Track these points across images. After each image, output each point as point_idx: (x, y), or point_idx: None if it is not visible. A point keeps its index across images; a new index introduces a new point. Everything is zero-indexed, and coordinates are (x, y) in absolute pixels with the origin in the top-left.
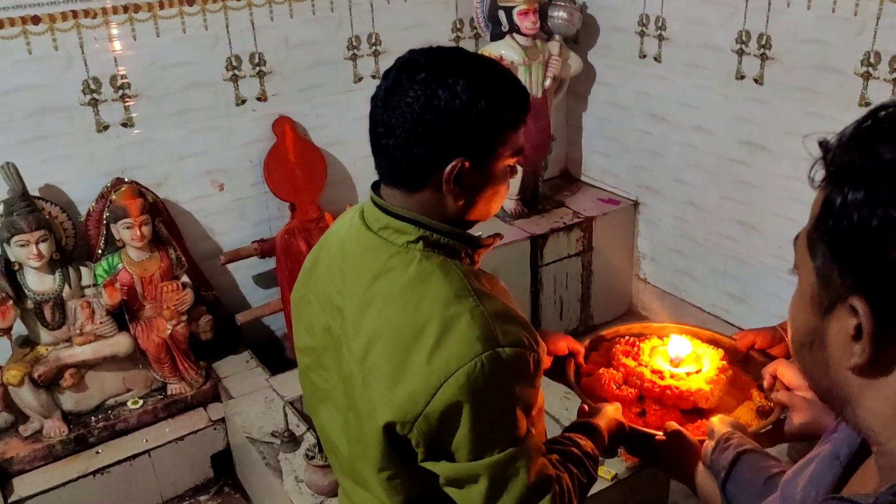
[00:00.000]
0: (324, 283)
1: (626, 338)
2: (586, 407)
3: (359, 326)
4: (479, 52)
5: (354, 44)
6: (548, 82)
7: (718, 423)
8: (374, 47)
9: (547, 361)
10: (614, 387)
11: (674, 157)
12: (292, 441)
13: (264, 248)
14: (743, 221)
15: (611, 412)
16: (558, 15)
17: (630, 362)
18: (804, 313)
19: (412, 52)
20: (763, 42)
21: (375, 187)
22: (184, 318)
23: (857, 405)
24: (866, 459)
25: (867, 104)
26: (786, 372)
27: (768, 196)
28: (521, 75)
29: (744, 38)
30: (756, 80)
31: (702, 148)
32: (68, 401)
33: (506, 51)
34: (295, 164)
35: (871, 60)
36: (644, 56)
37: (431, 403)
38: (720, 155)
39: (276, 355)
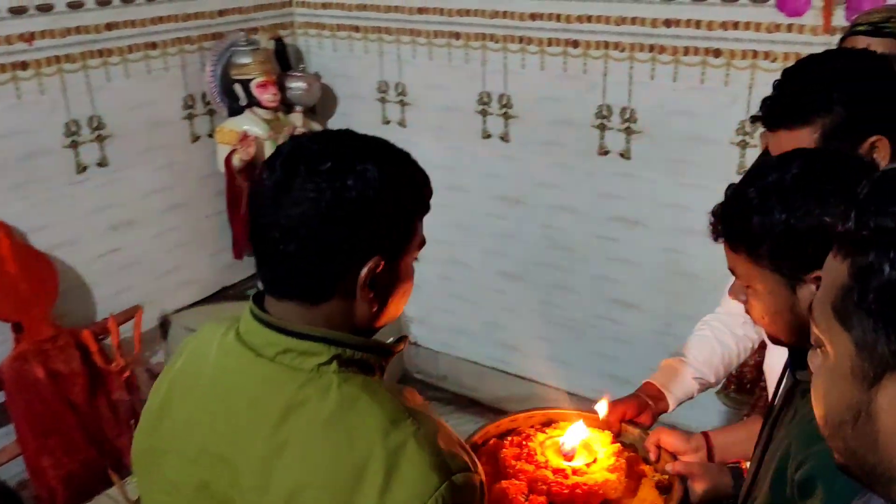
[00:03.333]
0: (189, 430)
1: (508, 438)
2: None
3: (268, 478)
4: (219, 128)
5: (73, 129)
6: None
7: None
8: (97, 132)
9: None
10: (522, 499)
11: (431, 217)
12: None
13: None
14: (506, 272)
15: None
16: (297, 86)
17: (527, 467)
18: (841, 388)
19: (298, 139)
20: (504, 102)
21: (258, 299)
22: None
23: None
24: None
25: (606, 152)
26: (669, 440)
27: (528, 246)
28: (269, 150)
29: (485, 99)
30: (502, 138)
31: (458, 206)
32: None
33: (249, 126)
34: (16, 277)
35: (604, 113)
36: (388, 122)
37: None
38: (476, 211)
39: None
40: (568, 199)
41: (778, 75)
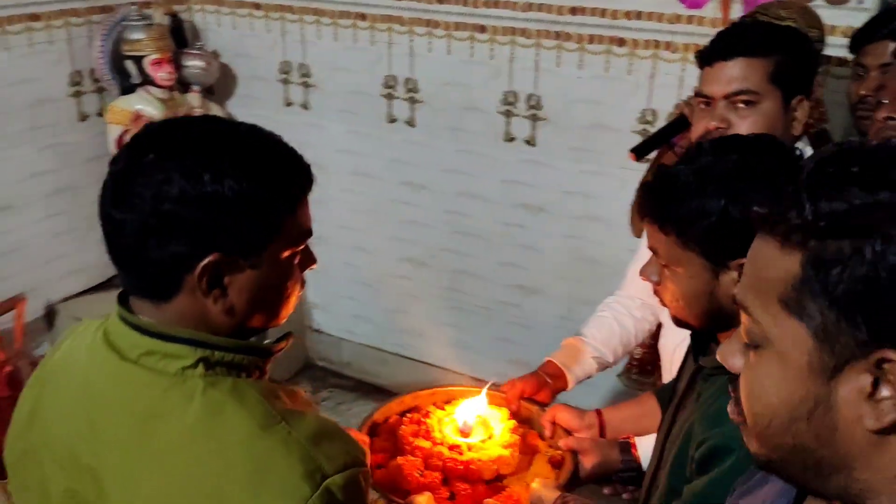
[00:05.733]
0: (59, 434)
1: (407, 415)
2: None
3: (132, 491)
4: (110, 107)
5: None
6: None
7: (542, 488)
8: None
9: None
10: (417, 474)
11: (335, 203)
12: None
13: None
14: (411, 258)
15: (424, 503)
16: (194, 64)
17: (424, 443)
18: (794, 383)
19: (146, 127)
20: (411, 86)
21: (123, 299)
22: None
23: (861, 469)
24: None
25: (512, 139)
26: (564, 416)
27: (433, 232)
28: None
29: (391, 82)
30: (408, 123)
31: (363, 192)
32: None
33: (142, 105)
34: None
35: (510, 99)
36: (290, 104)
37: None
38: (382, 197)
39: None
40: (473, 185)
41: (679, 66)
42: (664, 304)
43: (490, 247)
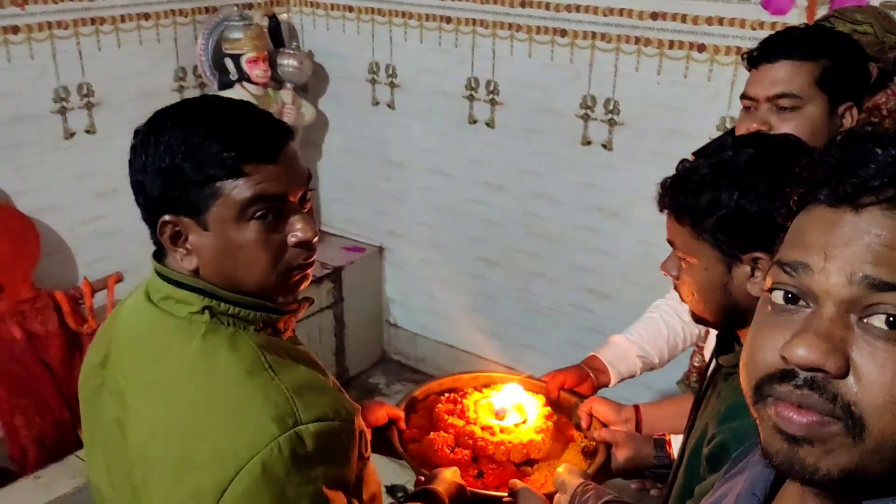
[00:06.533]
0: (113, 369)
1: (446, 395)
2: (423, 478)
3: (140, 417)
4: None
5: (62, 95)
6: None
7: (566, 473)
8: (86, 99)
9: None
10: (448, 450)
11: (415, 200)
12: None
13: None
14: (486, 258)
15: (448, 476)
16: (288, 63)
17: (458, 422)
18: None
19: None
20: (491, 88)
21: (156, 253)
22: None
23: None
24: (781, 489)
25: (588, 142)
26: (601, 409)
27: (508, 233)
28: None
29: (473, 84)
30: (488, 124)
31: (442, 190)
32: None
33: None
34: None
35: (588, 103)
36: (377, 103)
37: (221, 501)
38: (460, 196)
39: None
40: (549, 187)
41: None
42: (683, 300)
43: (563, 249)
